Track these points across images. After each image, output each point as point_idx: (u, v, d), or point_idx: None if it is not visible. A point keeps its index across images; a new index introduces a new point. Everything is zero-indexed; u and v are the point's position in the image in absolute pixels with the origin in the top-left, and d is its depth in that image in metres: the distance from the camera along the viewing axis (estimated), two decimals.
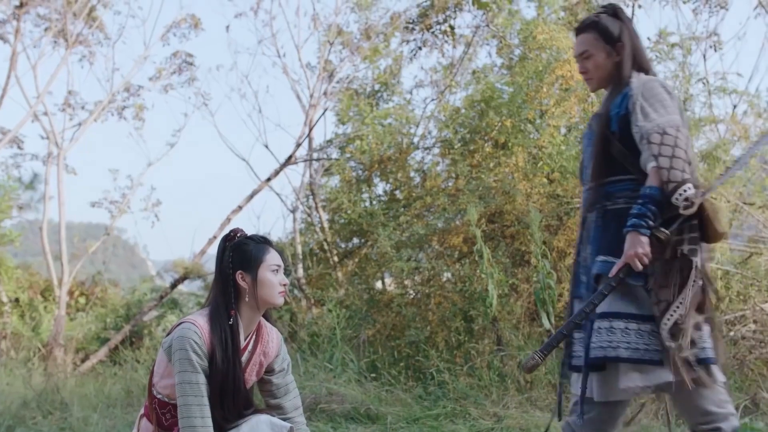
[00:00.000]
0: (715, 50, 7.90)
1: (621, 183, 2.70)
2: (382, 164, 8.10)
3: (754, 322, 5.37)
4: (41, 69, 10.85)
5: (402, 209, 7.64)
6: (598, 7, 2.92)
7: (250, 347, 2.75)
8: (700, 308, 2.56)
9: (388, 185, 8.37)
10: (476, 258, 6.01)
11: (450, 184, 7.58)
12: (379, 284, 7.97)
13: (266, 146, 10.22)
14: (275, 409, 2.84)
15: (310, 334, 6.82)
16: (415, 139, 8.60)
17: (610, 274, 2.57)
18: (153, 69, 11.21)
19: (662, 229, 2.53)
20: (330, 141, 9.72)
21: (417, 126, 8.91)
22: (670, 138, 2.52)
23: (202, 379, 2.57)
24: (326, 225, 8.97)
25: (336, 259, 8.59)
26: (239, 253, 2.69)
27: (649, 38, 7.69)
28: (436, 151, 8.19)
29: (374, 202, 8.24)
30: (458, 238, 6.80)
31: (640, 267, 2.53)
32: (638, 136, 2.61)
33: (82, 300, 10.96)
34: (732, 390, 4.95)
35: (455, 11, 9.20)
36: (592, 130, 2.85)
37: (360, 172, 8.50)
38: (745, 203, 6.37)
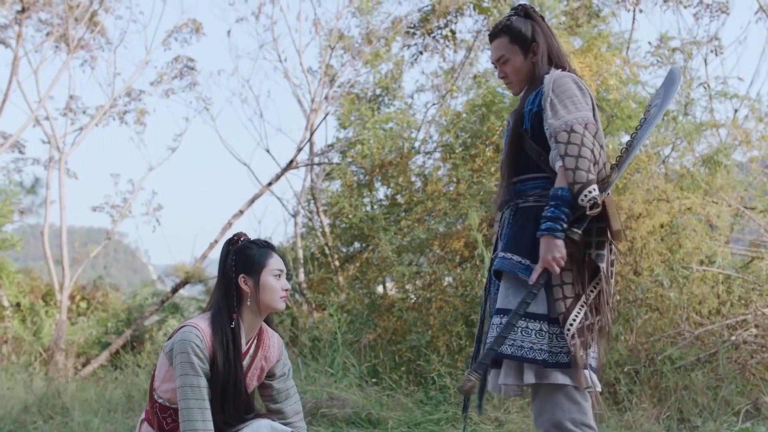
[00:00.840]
0: (716, 55, 7.91)
1: (533, 181, 2.67)
2: (384, 168, 8.10)
3: (756, 326, 5.37)
4: (43, 73, 10.94)
5: (403, 214, 7.64)
6: (510, 10, 2.87)
7: (251, 351, 2.75)
8: (596, 312, 2.56)
9: (390, 190, 8.37)
10: (477, 262, 6.01)
11: (451, 188, 7.58)
12: (380, 288, 7.97)
13: (267, 151, 10.23)
14: (276, 414, 2.85)
15: (311, 338, 6.82)
16: (416, 144, 8.60)
17: (530, 280, 2.53)
18: (154, 73, 11.30)
19: (575, 230, 2.51)
20: (331, 145, 9.73)
21: (418, 130, 8.92)
22: (576, 136, 2.49)
23: (203, 382, 2.58)
24: (327, 229, 8.97)
25: (337, 263, 8.59)
26: (242, 257, 2.71)
27: (650, 42, 7.70)
28: (437, 155, 8.20)
29: (375, 207, 8.24)
30: (459, 242, 6.80)
31: (557, 271, 2.51)
32: (548, 133, 2.58)
33: (83, 304, 10.96)
34: (734, 394, 4.95)
35: (456, 16, 9.21)
36: (509, 128, 2.82)
37: (361, 176, 8.51)
38: (746, 207, 6.37)
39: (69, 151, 10.83)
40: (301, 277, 8.85)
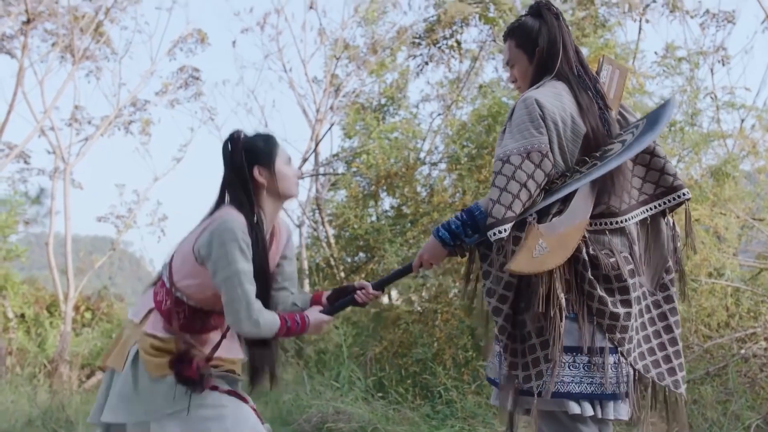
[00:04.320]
0: (723, 64, 7.87)
1: None
2: (389, 179, 8.08)
3: (765, 339, 5.31)
4: (48, 84, 10.95)
5: (409, 225, 7.61)
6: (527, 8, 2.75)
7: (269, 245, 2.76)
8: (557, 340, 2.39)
9: (395, 200, 8.35)
10: None
11: (457, 199, 7.54)
12: (385, 299, 7.94)
13: None
14: (281, 291, 2.85)
15: (316, 351, 6.78)
16: (422, 154, 8.58)
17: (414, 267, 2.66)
18: (159, 84, 11.31)
19: (463, 246, 2.52)
20: (336, 155, 9.73)
21: (423, 140, 8.90)
22: (509, 168, 2.37)
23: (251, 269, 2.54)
24: (332, 240, 8.95)
25: (342, 274, 8.56)
26: (252, 150, 2.68)
27: (656, 52, 7.67)
28: (443, 166, 8.16)
29: (381, 219, 8.21)
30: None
31: (417, 267, 2.60)
32: None
33: (88, 315, 10.96)
34: (744, 409, 4.89)
35: (462, 26, 9.20)
36: None
37: (366, 186, 8.49)
38: (754, 218, 6.32)
39: (74, 162, 10.86)
40: (306, 287, 8.81)
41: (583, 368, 2.41)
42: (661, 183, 2.61)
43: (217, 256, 2.48)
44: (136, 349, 2.59)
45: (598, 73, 2.68)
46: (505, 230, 2.32)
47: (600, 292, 2.41)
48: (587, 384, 2.41)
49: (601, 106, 2.57)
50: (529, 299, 2.43)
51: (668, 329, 2.59)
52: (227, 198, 2.68)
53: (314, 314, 2.69)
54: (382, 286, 2.83)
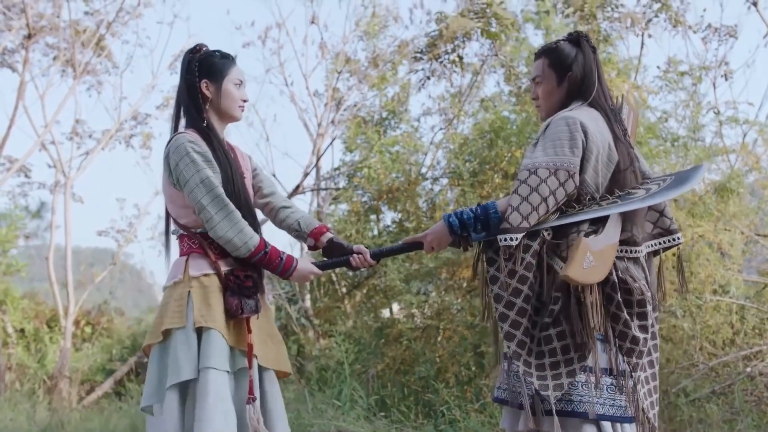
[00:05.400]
0: (726, 79, 7.84)
1: None
2: (391, 193, 8.04)
3: None
4: (49, 98, 10.91)
5: None
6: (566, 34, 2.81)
7: None
8: (581, 357, 2.41)
9: (397, 215, 8.31)
10: None
11: None
12: (387, 312, 7.89)
13: (274, 175, 10.20)
14: (270, 196, 2.98)
15: (318, 368, 6.73)
16: (424, 169, 8.54)
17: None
18: (161, 97, 11.28)
19: (468, 239, 2.56)
20: (337, 169, 9.70)
21: (425, 155, 8.86)
22: (534, 179, 2.40)
23: (212, 175, 2.62)
24: None
25: (344, 290, 8.51)
26: (205, 64, 2.78)
27: (658, 67, 7.64)
28: (445, 180, 8.13)
29: (383, 233, 8.17)
30: (468, 270, 6.72)
31: (420, 245, 2.67)
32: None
33: (88, 330, 10.90)
34: (750, 428, 4.85)
35: (463, 41, 9.18)
36: None
37: (368, 200, 8.45)
38: (758, 234, 6.28)
39: (75, 175, 10.84)
40: (308, 303, 8.77)
41: (607, 390, 2.45)
42: (659, 224, 2.71)
43: (177, 176, 2.63)
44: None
45: (619, 110, 2.74)
46: (516, 238, 2.37)
47: (625, 315, 2.46)
48: (609, 406, 2.45)
49: (629, 142, 2.65)
50: (557, 315, 2.45)
51: (651, 365, 2.63)
52: (175, 117, 2.81)
53: (304, 262, 2.75)
54: (379, 257, 2.90)
